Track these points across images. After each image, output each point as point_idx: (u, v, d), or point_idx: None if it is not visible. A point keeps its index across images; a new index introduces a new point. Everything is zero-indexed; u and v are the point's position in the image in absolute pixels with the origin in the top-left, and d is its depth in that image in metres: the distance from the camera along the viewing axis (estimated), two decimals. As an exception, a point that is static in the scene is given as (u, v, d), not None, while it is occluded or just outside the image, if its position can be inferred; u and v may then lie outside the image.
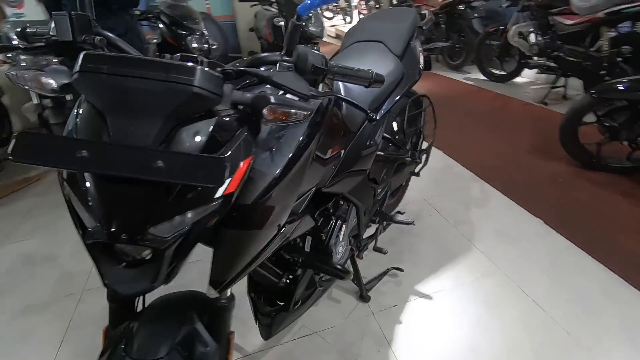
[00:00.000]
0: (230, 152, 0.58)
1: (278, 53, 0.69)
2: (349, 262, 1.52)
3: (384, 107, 1.28)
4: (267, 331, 1.12)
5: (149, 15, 2.58)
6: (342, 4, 9.64)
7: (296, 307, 1.14)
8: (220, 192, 0.57)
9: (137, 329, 0.69)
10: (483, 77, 4.50)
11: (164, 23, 2.60)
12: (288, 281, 1.09)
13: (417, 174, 1.82)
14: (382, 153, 1.37)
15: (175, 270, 0.59)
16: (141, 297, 0.78)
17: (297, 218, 0.85)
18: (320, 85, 0.88)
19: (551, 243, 1.78)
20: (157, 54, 2.72)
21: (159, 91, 0.51)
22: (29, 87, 0.58)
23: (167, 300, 0.80)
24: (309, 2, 0.67)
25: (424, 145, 1.78)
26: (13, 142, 0.48)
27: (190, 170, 0.50)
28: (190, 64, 0.53)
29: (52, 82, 0.59)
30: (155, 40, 2.54)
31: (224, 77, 0.69)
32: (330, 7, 10.48)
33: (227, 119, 0.60)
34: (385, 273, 1.61)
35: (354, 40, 1.46)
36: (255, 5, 3.58)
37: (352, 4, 9.12)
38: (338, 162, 1.03)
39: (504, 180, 2.31)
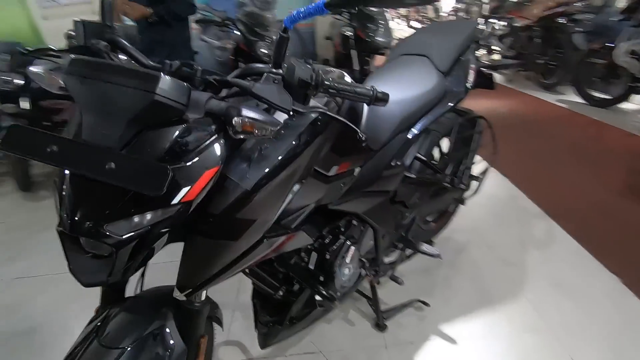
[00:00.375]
0: (193, 161, 0.58)
1: (268, 65, 0.68)
2: (366, 285, 1.43)
3: (418, 126, 1.18)
4: (263, 340, 1.11)
5: (226, 22, 2.80)
6: (431, 14, 9.30)
7: (292, 323, 1.11)
8: (177, 198, 0.56)
9: (114, 316, 0.73)
10: (580, 100, 3.93)
11: (239, 30, 2.79)
12: (284, 295, 1.06)
13: (463, 202, 1.64)
14: (414, 176, 1.27)
15: (132, 268, 0.60)
16: (139, 281, 0.82)
17: (288, 232, 0.82)
18: (324, 99, 0.84)
19: (625, 308, 1.46)
20: (232, 58, 2.93)
21: (124, 96, 0.53)
22: (42, 84, 0.66)
23: (153, 292, 0.84)
24: (294, 13, 0.64)
25: (475, 169, 1.61)
26: (5, 133, 0.53)
27: (136, 176, 0.50)
28: (155, 72, 0.54)
29: (61, 82, 0.65)
30: (229, 46, 2.72)
31: (207, 87, 0.69)
32: (417, 16, 10.19)
33: (199, 127, 0.59)
34: (408, 304, 1.48)
35: (401, 52, 1.38)
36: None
37: (440, 13, 8.74)
38: (350, 180, 0.97)
39: (580, 223, 1.97)
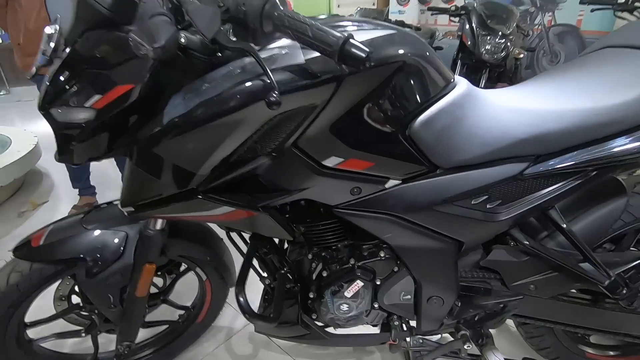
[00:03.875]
0: (110, 71, 0.57)
1: None
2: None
3: (567, 158, 0.69)
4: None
5: (461, 13, 2.49)
6: None
7: (279, 324, 0.94)
8: (88, 102, 0.58)
9: (101, 209, 0.87)
10: None
11: (469, 21, 2.43)
12: (270, 287, 0.92)
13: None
14: (526, 242, 0.77)
15: (75, 155, 0.65)
16: None
17: (239, 205, 0.69)
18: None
19: None
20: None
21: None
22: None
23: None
24: None
25: None
26: None
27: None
28: None
29: None
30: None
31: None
32: None
33: (129, 42, 0.56)
34: None
35: (606, 44, 0.81)
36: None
37: None
38: (372, 189, 0.70)
39: None
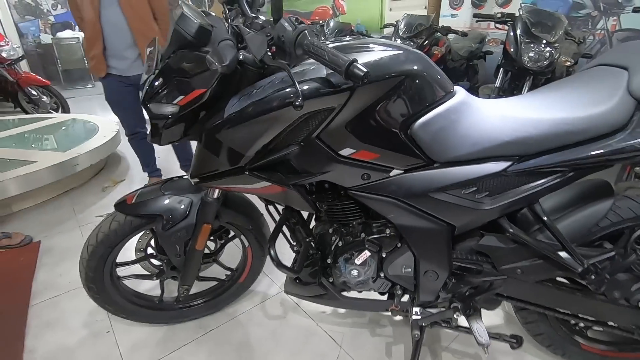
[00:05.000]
0: (191, 79, 0.81)
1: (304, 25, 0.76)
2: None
3: (543, 159, 0.83)
4: (286, 285, 1.23)
5: (506, 20, 2.50)
6: None
7: (303, 284, 1.15)
8: (175, 100, 0.83)
9: (177, 180, 1.14)
10: None
11: (513, 28, 2.43)
12: (296, 251, 1.13)
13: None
14: (510, 229, 0.91)
15: (164, 138, 0.91)
16: None
17: (274, 182, 0.91)
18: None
19: None
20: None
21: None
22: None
23: None
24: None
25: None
26: None
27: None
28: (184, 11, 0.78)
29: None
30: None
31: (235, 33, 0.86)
32: None
33: (204, 58, 0.80)
34: None
35: (599, 62, 0.91)
36: None
37: None
38: (379, 176, 0.89)
39: None
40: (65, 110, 4.38)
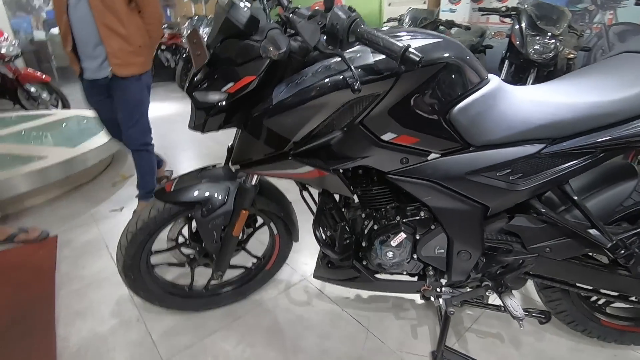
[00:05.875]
0: (241, 67, 0.84)
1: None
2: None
3: (577, 141, 0.87)
4: (316, 270, 1.25)
5: (512, 13, 2.56)
6: None
7: (333, 268, 1.19)
8: (225, 88, 0.86)
9: (215, 168, 1.16)
10: None
11: (518, 21, 2.49)
12: (331, 237, 1.17)
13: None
14: (542, 209, 0.95)
15: (209, 126, 0.94)
16: None
17: (317, 166, 0.94)
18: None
19: None
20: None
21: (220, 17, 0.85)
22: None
23: None
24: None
25: None
26: None
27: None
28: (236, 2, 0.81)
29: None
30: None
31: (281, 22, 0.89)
32: None
33: (254, 47, 0.83)
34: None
35: (625, 49, 0.96)
36: None
37: None
38: (418, 160, 0.93)
39: None
40: (66, 106, 4.34)
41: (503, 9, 2.65)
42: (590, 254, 1.05)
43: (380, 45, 0.72)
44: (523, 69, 2.60)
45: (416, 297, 1.50)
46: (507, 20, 2.68)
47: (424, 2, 5.04)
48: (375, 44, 0.72)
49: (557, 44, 2.36)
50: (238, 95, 0.87)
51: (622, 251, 0.94)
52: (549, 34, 2.36)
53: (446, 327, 1.19)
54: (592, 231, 0.94)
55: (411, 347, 1.28)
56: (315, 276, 1.28)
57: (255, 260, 1.49)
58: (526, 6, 2.50)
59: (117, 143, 2.88)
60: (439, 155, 0.93)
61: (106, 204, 2.37)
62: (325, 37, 0.81)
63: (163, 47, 6.05)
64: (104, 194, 2.52)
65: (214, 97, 0.88)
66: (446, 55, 0.83)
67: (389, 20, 3.96)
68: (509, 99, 0.90)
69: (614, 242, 0.92)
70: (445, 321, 1.20)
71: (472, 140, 0.91)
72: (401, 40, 0.83)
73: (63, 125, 3.26)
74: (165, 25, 5.95)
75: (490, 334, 1.32)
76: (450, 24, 3.22)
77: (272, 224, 1.35)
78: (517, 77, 2.81)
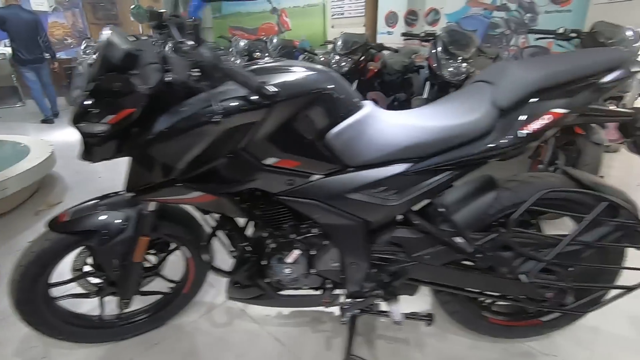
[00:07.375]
0: (120, 99, 0.87)
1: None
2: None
3: (435, 160, 0.99)
4: (228, 290, 1.28)
5: (429, 39, 2.81)
6: None
7: (241, 287, 1.23)
8: (105, 119, 0.88)
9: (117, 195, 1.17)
10: None
11: (434, 46, 2.74)
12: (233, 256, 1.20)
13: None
14: (417, 221, 1.06)
15: (96, 156, 0.95)
16: None
17: (205, 192, 0.98)
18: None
19: None
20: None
21: None
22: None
23: None
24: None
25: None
26: None
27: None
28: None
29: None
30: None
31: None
32: None
33: (130, 80, 0.87)
34: None
35: (479, 79, 1.11)
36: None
37: None
38: (302, 181, 1.00)
39: None
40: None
41: (422, 34, 2.90)
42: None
43: (239, 81, 0.79)
44: (443, 88, 2.84)
45: (335, 310, 1.56)
46: (427, 44, 2.94)
47: (363, 25, 5.32)
48: (234, 79, 0.79)
49: (468, 66, 2.61)
50: (120, 126, 0.90)
51: (479, 255, 1.06)
52: (460, 57, 2.61)
53: (352, 336, 1.25)
54: (458, 239, 1.05)
55: (324, 359, 1.33)
56: (229, 297, 1.30)
57: (172, 285, 1.48)
58: (441, 33, 2.75)
59: (47, 168, 2.75)
60: (322, 176, 1.01)
61: (26, 234, 2.25)
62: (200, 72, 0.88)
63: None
64: (25, 223, 2.39)
65: (97, 128, 0.90)
66: (316, 86, 0.92)
67: (325, 43, 4.16)
68: (378, 123, 1.01)
69: (474, 248, 1.05)
70: (351, 331, 1.26)
71: (349, 162, 1.00)
72: (279, 73, 0.91)
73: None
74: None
75: (398, 339, 1.41)
76: (379, 47, 3.45)
77: (183, 248, 1.36)
78: (439, 96, 3.05)
